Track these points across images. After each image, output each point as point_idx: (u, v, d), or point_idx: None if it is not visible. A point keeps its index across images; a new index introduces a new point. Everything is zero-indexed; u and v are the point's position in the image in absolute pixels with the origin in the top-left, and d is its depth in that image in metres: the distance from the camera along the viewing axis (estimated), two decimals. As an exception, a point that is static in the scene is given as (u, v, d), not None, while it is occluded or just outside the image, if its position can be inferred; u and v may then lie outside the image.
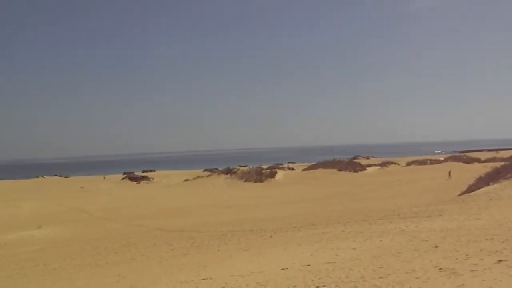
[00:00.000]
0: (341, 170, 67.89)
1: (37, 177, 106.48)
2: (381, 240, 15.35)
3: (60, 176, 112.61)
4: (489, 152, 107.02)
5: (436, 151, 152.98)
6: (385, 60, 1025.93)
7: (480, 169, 40.96)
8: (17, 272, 17.81)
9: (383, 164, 74.06)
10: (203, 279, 12.36)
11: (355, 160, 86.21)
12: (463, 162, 69.98)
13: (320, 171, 68.80)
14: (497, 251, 10.62)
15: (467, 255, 10.68)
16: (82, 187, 71.50)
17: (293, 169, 79.67)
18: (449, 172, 49.96)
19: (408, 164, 74.41)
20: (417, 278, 9.38)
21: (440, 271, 9.64)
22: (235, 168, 76.42)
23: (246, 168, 77.10)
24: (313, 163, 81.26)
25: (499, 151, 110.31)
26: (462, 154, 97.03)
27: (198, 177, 73.24)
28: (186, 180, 72.16)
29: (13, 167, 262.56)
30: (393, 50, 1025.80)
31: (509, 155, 48.10)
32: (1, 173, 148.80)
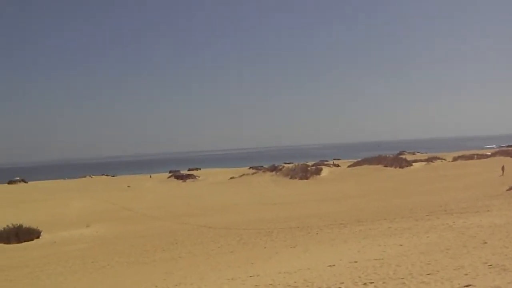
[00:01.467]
0: (386, 166, 67.33)
1: (84, 176, 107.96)
2: (428, 237, 15.23)
3: (107, 175, 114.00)
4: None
5: (488, 146, 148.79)
6: (438, 53, 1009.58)
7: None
8: (67, 269, 18.11)
9: (429, 160, 73.14)
10: (250, 276, 12.41)
11: (400, 156, 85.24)
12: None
13: (365, 168, 68.36)
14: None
15: (517, 251, 10.54)
16: (128, 186, 72.19)
17: (338, 165, 79.18)
18: (502, 168, 48.08)
19: (455, 159, 73.34)
20: (466, 274, 9.28)
21: (490, 268, 9.53)
22: (281, 165, 76.35)
23: (291, 165, 76.89)
24: (359, 160, 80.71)
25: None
26: (511, 148, 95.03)
27: (243, 174, 73.44)
28: (231, 178, 72.39)
29: (62, 167, 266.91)
30: (446, 43, 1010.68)
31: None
32: (50, 173, 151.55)
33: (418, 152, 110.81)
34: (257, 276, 12.38)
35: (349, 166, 74.21)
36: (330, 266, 12.58)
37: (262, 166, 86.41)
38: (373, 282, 10.28)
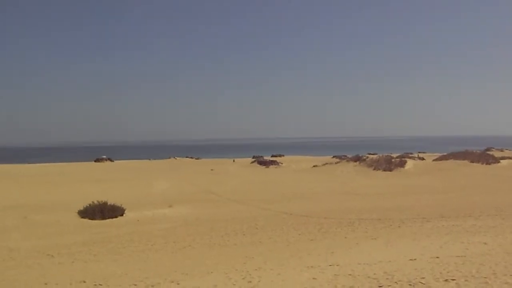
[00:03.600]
0: (473, 162, 65.59)
1: (169, 158, 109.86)
2: (514, 236, 14.88)
3: (191, 158, 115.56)
4: None
5: None
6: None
7: None
8: (149, 247, 18.54)
9: (518, 157, 70.95)
10: (330, 265, 12.45)
11: (488, 152, 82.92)
12: None
13: (451, 162, 66.80)
14: None
15: None
16: (212, 169, 72.98)
17: (423, 159, 77.73)
18: None
19: (547, 157, 70.83)
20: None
21: None
22: (364, 156, 75.63)
23: (375, 156, 76.05)
24: (444, 154, 78.99)
25: None
26: None
27: (326, 163, 73.11)
28: (314, 166, 72.19)
29: (147, 147, 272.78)
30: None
31: None
32: (136, 153, 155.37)
33: (506, 149, 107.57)
34: (337, 265, 12.40)
35: (434, 160, 72.70)
36: (411, 260, 12.48)
37: (345, 156, 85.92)
38: (454, 279, 10.15)
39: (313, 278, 11.19)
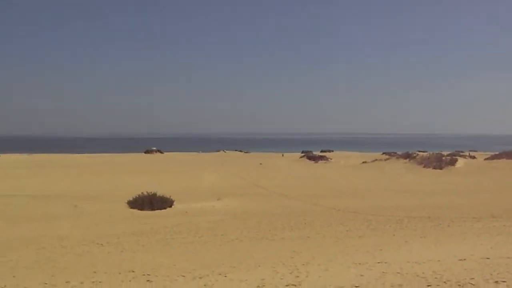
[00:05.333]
0: (527, 162, 64.26)
1: (218, 151, 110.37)
2: None
3: (240, 151, 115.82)
4: None
5: None
6: None
7: None
8: (197, 239, 18.67)
9: None
10: (378, 262, 12.38)
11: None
12: None
13: (504, 162, 65.43)
14: None
15: None
16: (261, 163, 72.98)
17: (474, 157, 76.42)
18: None
19: None
20: None
21: None
22: (414, 153, 74.68)
23: (425, 153, 75.02)
24: (497, 153, 77.47)
25: None
26: None
27: (376, 160, 72.48)
28: (364, 162, 71.64)
29: (196, 140, 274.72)
30: None
31: None
32: (187, 146, 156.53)
33: None
34: (385, 263, 12.32)
35: (485, 159, 71.42)
36: (460, 260, 12.33)
37: (395, 153, 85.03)
38: (505, 281, 10.01)
39: (361, 275, 11.15)
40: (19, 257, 15.65)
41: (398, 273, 11.22)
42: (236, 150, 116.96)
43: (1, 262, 14.92)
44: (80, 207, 28.36)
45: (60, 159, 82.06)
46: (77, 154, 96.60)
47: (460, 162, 64.70)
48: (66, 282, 11.94)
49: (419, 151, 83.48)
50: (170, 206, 28.18)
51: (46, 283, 12.01)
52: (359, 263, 12.40)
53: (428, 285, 10.16)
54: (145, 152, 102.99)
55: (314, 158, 79.76)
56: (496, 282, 10.07)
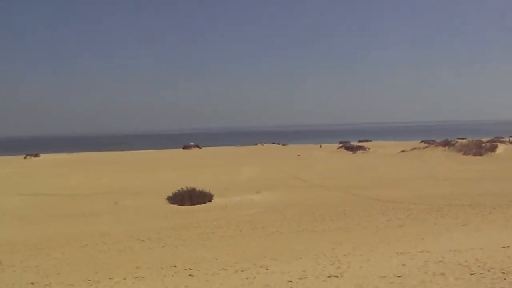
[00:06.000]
0: None
1: (255, 144, 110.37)
2: None
3: (278, 143, 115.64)
4: None
5: None
6: None
7: None
8: (237, 233, 18.77)
9: None
10: (420, 252, 12.29)
11: None
12: None
13: (546, 147, 64.44)
14: None
15: None
16: (298, 155, 72.82)
17: (515, 143, 75.20)
18: None
19: None
20: None
21: None
22: (453, 140, 73.80)
23: (464, 140, 74.07)
24: (539, 137, 76.23)
25: None
26: None
27: (414, 148, 71.80)
28: (402, 151, 71.01)
29: (233, 134, 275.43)
30: None
31: None
32: (224, 140, 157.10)
33: None
34: (427, 252, 12.23)
35: (527, 144, 70.27)
36: (504, 247, 12.17)
37: (434, 141, 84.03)
38: (550, 268, 9.87)
39: (403, 265, 11.09)
40: (62, 255, 15.92)
41: (440, 262, 11.13)
42: (273, 143, 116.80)
43: (45, 259, 15.20)
44: (120, 203, 28.73)
45: (98, 157, 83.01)
46: (115, 152, 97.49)
47: (501, 148, 63.76)
48: (110, 278, 12.10)
49: (458, 138, 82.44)
50: (210, 201, 28.37)
51: (89, 280, 12.19)
52: (401, 253, 12.34)
53: (472, 273, 10.07)
54: (183, 148, 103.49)
55: (352, 148, 79.25)
56: (541, 268, 9.95)
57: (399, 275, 10.21)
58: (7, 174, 54.23)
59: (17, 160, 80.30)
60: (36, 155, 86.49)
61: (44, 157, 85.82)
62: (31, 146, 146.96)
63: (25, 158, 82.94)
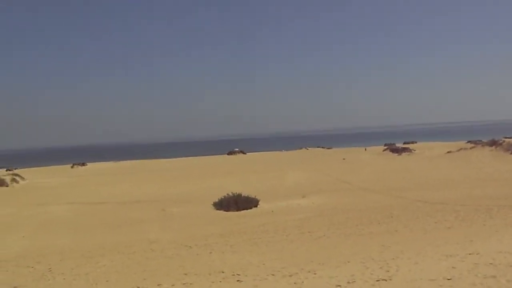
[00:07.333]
0: None
1: (300, 148, 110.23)
2: None
3: (323, 147, 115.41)
4: None
5: None
6: None
7: None
8: (284, 238, 18.79)
9: None
10: (469, 254, 12.13)
11: None
12: None
13: None
14: None
15: None
16: (344, 159, 72.58)
17: None
18: None
19: None
20: None
21: None
22: (500, 140, 72.57)
23: (512, 139, 72.81)
24: None
25: None
26: None
27: (461, 149, 70.83)
28: (448, 152, 70.15)
29: (279, 139, 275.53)
30: None
31: None
32: (268, 145, 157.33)
33: None
34: (477, 254, 12.06)
35: None
36: (557, 248, 11.98)
37: (480, 141, 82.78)
38: None
39: (452, 267, 10.96)
40: (111, 262, 16.15)
41: (490, 264, 10.97)
42: (318, 147, 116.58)
43: (95, 267, 15.45)
44: (167, 210, 29.00)
45: (144, 165, 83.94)
46: (160, 159, 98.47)
47: (550, 146, 62.50)
48: (158, 285, 12.23)
49: (505, 138, 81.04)
50: (256, 206, 28.44)
51: (138, 287, 12.35)
52: (450, 255, 12.19)
53: (524, 276, 9.91)
54: (228, 154, 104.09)
55: (397, 151, 78.57)
56: None
57: (449, 278, 10.09)
58: (55, 183, 55.31)
59: (65, 169, 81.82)
60: (83, 164, 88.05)
61: (90, 166, 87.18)
62: (77, 156, 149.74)
63: (72, 167, 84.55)
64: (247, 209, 27.88)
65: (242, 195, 28.94)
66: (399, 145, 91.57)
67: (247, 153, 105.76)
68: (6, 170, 75.01)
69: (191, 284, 12.05)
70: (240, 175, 53.97)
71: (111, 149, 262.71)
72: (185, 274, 13.27)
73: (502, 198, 25.30)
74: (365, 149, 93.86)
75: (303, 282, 11.07)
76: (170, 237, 20.80)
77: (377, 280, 10.53)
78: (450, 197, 27.25)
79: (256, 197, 29.05)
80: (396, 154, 75.99)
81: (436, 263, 11.58)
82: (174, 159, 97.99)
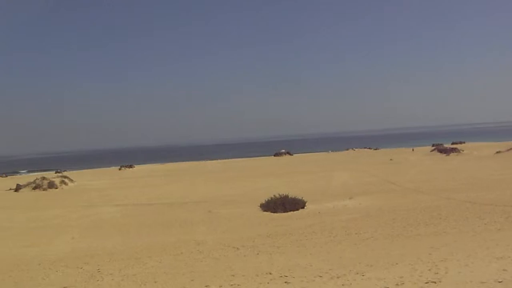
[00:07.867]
0: None
1: (347, 149, 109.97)
2: None
3: (370, 148, 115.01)
4: None
5: None
6: None
7: None
8: (331, 239, 18.73)
9: None
10: (521, 256, 11.96)
11: None
12: None
13: None
14: None
15: None
16: (391, 159, 72.12)
17: None
18: None
19: None
20: None
21: None
22: (552, 139, 71.28)
23: None
24: None
25: None
26: None
27: (510, 149, 69.70)
28: (498, 152, 69.10)
29: (325, 140, 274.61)
30: None
31: None
32: (314, 147, 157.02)
33: None
34: (529, 256, 11.89)
35: None
36: None
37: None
38: None
39: (504, 270, 10.79)
40: (158, 263, 16.33)
41: (543, 266, 10.80)
42: (365, 148, 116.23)
43: (142, 268, 15.63)
44: (214, 212, 29.17)
45: (190, 167, 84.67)
46: (207, 161, 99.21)
47: None
48: (206, 286, 12.31)
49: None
50: (303, 207, 28.40)
51: (186, 288, 12.45)
52: (501, 257, 12.01)
53: None
54: (274, 155, 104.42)
55: (445, 151, 77.67)
56: None
57: (500, 281, 9.94)
58: (104, 185, 56.26)
59: (113, 171, 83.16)
60: (131, 166, 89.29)
61: (138, 167, 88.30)
62: (125, 158, 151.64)
63: (120, 169, 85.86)
64: (294, 210, 27.85)
65: (289, 196, 28.93)
66: (447, 145, 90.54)
67: (294, 155, 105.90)
68: (56, 173, 76.77)
69: (238, 285, 12.11)
70: (286, 176, 54.02)
71: (158, 151, 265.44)
72: (233, 275, 13.32)
73: (554, 199, 24.82)
74: (413, 150, 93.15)
75: (351, 284, 11.03)
76: (217, 238, 20.92)
77: (426, 282, 10.43)
78: (499, 198, 26.77)
79: (303, 198, 29.01)
80: (444, 154, 75.14)
81: (486, 265, 11.42)
82: (221, 160, 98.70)
